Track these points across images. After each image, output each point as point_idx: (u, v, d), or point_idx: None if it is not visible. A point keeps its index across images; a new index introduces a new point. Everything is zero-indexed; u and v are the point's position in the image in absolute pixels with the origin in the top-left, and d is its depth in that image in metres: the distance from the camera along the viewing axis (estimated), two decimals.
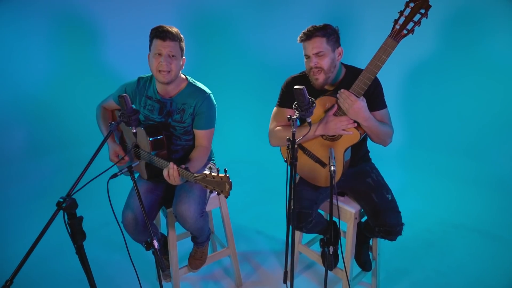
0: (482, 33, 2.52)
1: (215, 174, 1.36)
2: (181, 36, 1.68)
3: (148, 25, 1.66)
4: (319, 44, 1.59)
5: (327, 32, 1.60)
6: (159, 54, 1.61)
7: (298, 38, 1.65)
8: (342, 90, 1.55)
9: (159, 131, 1.73)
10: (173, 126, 1.78)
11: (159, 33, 1.60)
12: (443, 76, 2.77)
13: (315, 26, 1.61)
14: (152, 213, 1.78)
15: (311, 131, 1.59)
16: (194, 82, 1.80)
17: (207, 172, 1.39)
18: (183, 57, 1.72)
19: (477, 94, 2.65)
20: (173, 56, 1.63)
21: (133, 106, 1.88)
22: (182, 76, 1.79)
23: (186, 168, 1.47)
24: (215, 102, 1.79)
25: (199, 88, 1.76)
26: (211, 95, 1.77)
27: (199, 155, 1.74)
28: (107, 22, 2.84)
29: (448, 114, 2.82)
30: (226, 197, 1.36)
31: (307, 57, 1.65)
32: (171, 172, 1.49)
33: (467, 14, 2.54)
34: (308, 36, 1.60)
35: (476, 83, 2.64)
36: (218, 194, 1.38)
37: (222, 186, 1.35)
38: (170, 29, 1.62)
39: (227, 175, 1.34)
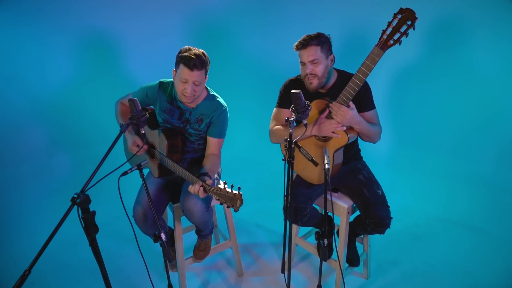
0: (463, 37, 2.52)
1: (229, 190, 1.35)
2: (208, 60, 1.63)
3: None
4: (314, 52, 1.61)
5: (321, 41, 1.61)
6: (185, 82, 1.58)
7: (294, 47, 1.66)
8: (332, 103, 1.57)
9: (176, 135, 1.72)
10: (190, 133, 1.78)
11: (187, 61, 1.54)
12: (428, 79, 2.77)
13: (310, 35, 1.62)
14: (160, 209, 1.78)
15: (304, 131, 1.60)
16: (214, 95, 1.78)
17: (221, 186, 1.37)
18: (206, 76, 1.68)
19: (461, 96, 2.64)
20: (199, 85, 1.60)
21: (152, 106, 1.87)
22: None
23: (207, 174, 1.49)
24: (228, 116, 1.79)
25: (218, 101, 1.76)
26: (227, 109, 1.77)
27: (212, 163, 1.72)
28: (119, 28, 2.84)
29: (434, 115, 2.81)
30: (236, 211, 1.34)
31: (303, 64, 1.66)
32: (201, 196, 1.46)
33: (450, 20, 2.54)
34: (304, 45, 1.62)
35: (459, 86, 2.63)
36: (228, 207, 1.35)
37: (234, 201, 1.33)
38: (197, 57, 1.55)
39: (240, 193, 1.32)
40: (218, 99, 1.77)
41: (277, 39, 3.38)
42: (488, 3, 2.37)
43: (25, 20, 2.44)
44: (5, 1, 2.35)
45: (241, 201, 1.32)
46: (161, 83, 1.78)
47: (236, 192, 1.33)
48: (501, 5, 2.34)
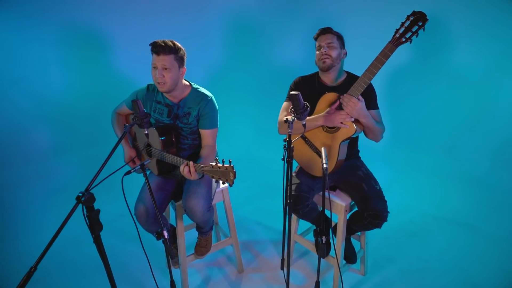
0: (459, 38, 2.52)
1: (221, 165, 1.36)
2: (178, 48, 1.64)
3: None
4: (331, 37, 1.77)
5: (338, 34, 1.80)
6: (155, 68, 1.62)
7: (315, 35, 1.82)
8: (344, 95, 1.65)
9: (169, 132, 1.74)
10: (181, 128, 1.78)
11: (154, 48, 1.59)
12: (423, 80, 2.77)
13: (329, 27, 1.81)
14: (162, 206, 1.78)
15: (314, 120, 1.72)
16: (197, 87, 1.79)
17: (213, 163, 1.40)
18: (184, 67, 1.69)
19: (456, 97, 2.64)
20: (167, 68, 1.61)
21: (145, 110, 1.88)
22: (186, 83, 1.79)
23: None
24: (216, 105, 1.78)
25: (202, 93, 1.76)
26: (213, 98, 1.77)
27: (208, 153, 1.74)
28: (125, 30, 2.83)
29: (429, 115, 2.81)
30: (231, 185, 1.34)
31: (319, 48, 1.78)
32: (192, 170, 1.48)
33: (444, 21, 2.54)
34: (324, 31, 1.79)
35: (454, 86, 2.63)
36: (224, 183, 1.37)
37: (227, 175, 1.34)
38: (164, 43, 1.58)
39: (232, 165, 1.33)
40: (201, 90, 1.77)
41: (278, 41, 3.37)
42: (483, 3, 2.37)
43: (31, 22, 2.44)
44: (10, 2, 2.35)
45: (234, 173, 1.33)
46: (149, 85, 1.82)
47: (227, 165, 1.34)
48: (495, 5, 2.34)
